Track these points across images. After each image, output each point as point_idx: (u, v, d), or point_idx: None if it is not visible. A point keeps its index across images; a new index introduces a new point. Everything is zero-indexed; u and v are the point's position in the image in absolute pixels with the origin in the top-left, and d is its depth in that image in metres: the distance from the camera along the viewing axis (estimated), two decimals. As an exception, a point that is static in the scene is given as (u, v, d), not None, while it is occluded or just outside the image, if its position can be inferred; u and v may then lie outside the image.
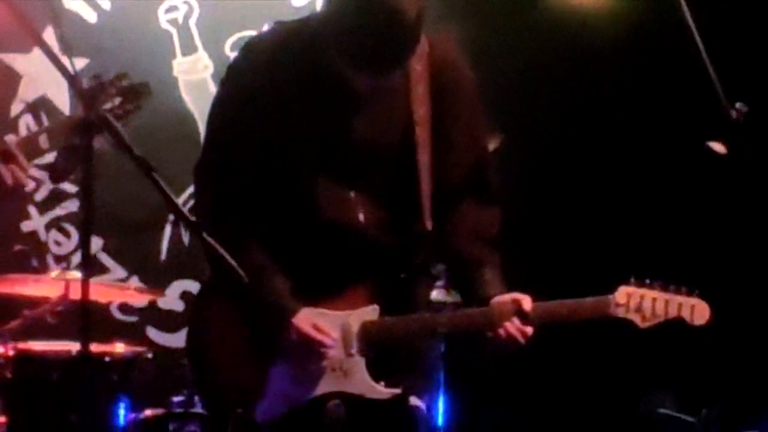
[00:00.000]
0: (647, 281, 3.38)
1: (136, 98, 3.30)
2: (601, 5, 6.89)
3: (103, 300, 5.98)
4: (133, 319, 6.50)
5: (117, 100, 3.25)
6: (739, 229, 4.87)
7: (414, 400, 3.60)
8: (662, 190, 5.79)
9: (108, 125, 2.84)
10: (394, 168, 3.49)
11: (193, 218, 2.88)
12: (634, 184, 6.04)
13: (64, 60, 2.87)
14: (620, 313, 3.39)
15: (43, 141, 3.10)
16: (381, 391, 3.44)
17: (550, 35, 6.84)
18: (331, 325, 3.41)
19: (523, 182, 6.11)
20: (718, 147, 3.06)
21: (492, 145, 5.19)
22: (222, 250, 2.79)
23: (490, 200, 3.61)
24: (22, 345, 5.03)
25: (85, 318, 2.93)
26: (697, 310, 3.37)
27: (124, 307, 6.44)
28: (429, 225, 3.47)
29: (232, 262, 2.80)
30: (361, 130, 3.43)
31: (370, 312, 3.45)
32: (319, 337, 3.37)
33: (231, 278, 2.83)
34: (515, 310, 3.37)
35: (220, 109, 3.55)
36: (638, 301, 3.38)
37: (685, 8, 3.06)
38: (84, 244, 2.73)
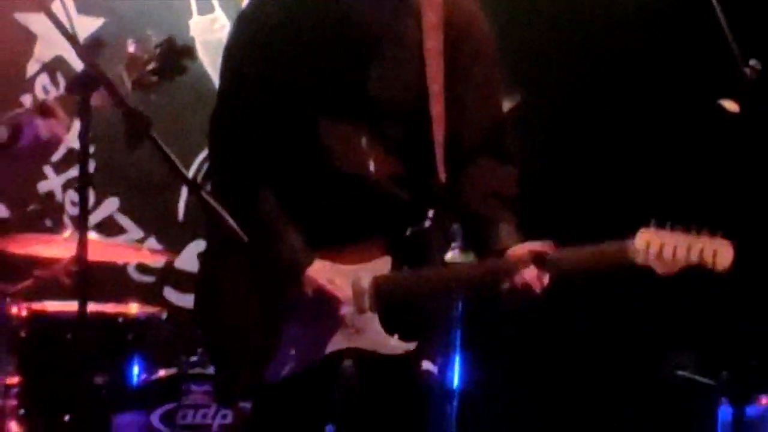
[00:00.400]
0: (668, 225, 3.21)
1: (181, 60, 3.24)
2: None
3: (120, 260, 6.02)
4: (150, 279, 6.45)
5: (149, 66, 3.20)
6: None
7: (426, 365, 3.55)
8: (679, 145, 5.73)
9: (105, 81, 2.81)
10: (407, 118, 3.42)
11: (188, 175, 2.84)
12: (650, 139, 5.94)
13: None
14: (639, 259, 3.21)
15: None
16: (395, 346, 3.36)
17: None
18: (342, 279, 3.33)
19: (543, 138, 6.12)
20: (730, 105, 2.98)
21: (512, 102, 5.18)
22: (221, 209, 2.75)
23: (506, 160, 3.53)
24: (35, 305, 5.00)
25: (82, 278, 2.88)
26: (719, 254, 3.15)
27: (142, 268, 6.40)
28: (443, 177, 3.40)
29: (232, 222, 2.75)
30: (374, 78, 3.37)
31: (382, 265, 3.38)
32: (334, 291, 3.30)
33: (231, 238, 2.80)
34: (532, 257, 3.25)
35: (231, 57, 3.48)
36: (658, 247, 3.19)
37: None
38: (82, 203, 2.68)
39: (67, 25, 2.77)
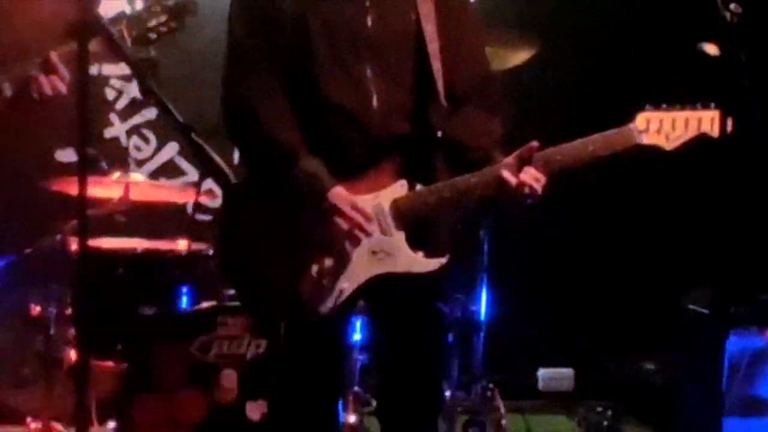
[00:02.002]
0: (663, 104, 3.17)
1: (181, 17, 3.09)
2: None
3: (179, 200, 5.97)
4: (207, 217, 6.31)
5: (163, 18, 3.06)
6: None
7: (440, 305, 3.48)
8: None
9: (103, 29, 2.68)
10: (406, 53, 3.31)
11: (179, 117, 2.73)
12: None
13: None
14: (644, 139, 3.19)
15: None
16: (426, 263, 3.27)
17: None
18: (364, 207, 3.21)
19: (559, 84, 6.00)
20: (710, 48, 2.81)
21: (530, 51, 5.01)
22: (211, 151, 2.65)
23: (494, 110, 3.43)
24: (91, 242, 4.91)
25: (82, 216, 2.76)
26: (716, 121, 3.13)
27: (199, 207, 6.30)
28: (445, 102, 3.30)
29: (221, 162, 2.65)
30: (374, 17, 3.27)
31: (399, 188, 3.26)
32: (356, 215, 3.19)
33: (221, 180, 2.68)
34: (519, 156, 3.21)
35: (236, 12, 3.34)
36: (659, 124, 3.17)
37: None
38: (81, 148, 2.53)
39: None
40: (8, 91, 2.79)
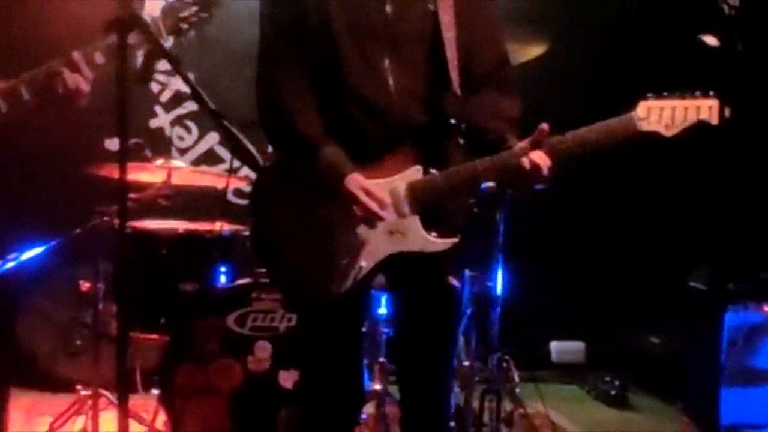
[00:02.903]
0: (664, 93, 3.12)
1: (209, 7, 3.07)
2: None
3: (220, 186, 5.97)
4: (245, 201, 6.35)
5: (193, 9, 3.04)
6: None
7: (452, 280, 3.42)
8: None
9: (139, 23, 2.66)
10: (423, 43, 3.26)
11: (212, 106, 2.68)
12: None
13: None
14: (644, 126, 3.12)
15: (98, 57, 2.88)
16: (438, 243, 3.23)
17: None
18: (379, 189, 3.19)
19: (567, 80, 5.96)
20: (710, 40, 2.77)
21: (541, 49, 4.95)
22: (242, 137, 2.62)
23: (509, 91, 3.38)
24: (136, 224, 4.93)
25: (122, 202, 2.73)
26: (714, 110, 3.08)
27: (238, 192, 6.33)
28: (458, 91, 3.25)
29: (251, 148, 2.62)
30: (392, 7, 3.23)
31: (414, 173, 3.22)
32: (366, 202, 3.16)
33: (250, 164, 2.66)
34: (532, 141, 3.17)
35: (269, 13, 3.31)
36: (659, 112, 3.11)
37: None
38: (121, 135, 2.51)
39: None
40: (26, 95, 2.75)
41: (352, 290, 3.24)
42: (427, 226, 3.24)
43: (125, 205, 2.73)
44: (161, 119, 6.44)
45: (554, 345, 6.79)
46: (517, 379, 5.34)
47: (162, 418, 4.68)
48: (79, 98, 2.85)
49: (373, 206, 3.16)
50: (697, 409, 4.75)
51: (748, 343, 4.57)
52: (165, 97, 6.42)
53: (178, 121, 6.49)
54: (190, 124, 6.51)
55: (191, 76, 3.26)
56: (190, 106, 6.44)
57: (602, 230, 6.49)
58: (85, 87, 2.83)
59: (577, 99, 5.89)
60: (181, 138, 6.48)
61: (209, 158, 6.49)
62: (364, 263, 3.22)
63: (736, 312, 4.58)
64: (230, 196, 6.31)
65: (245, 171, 6.41)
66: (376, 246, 3.23)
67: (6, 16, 5.89)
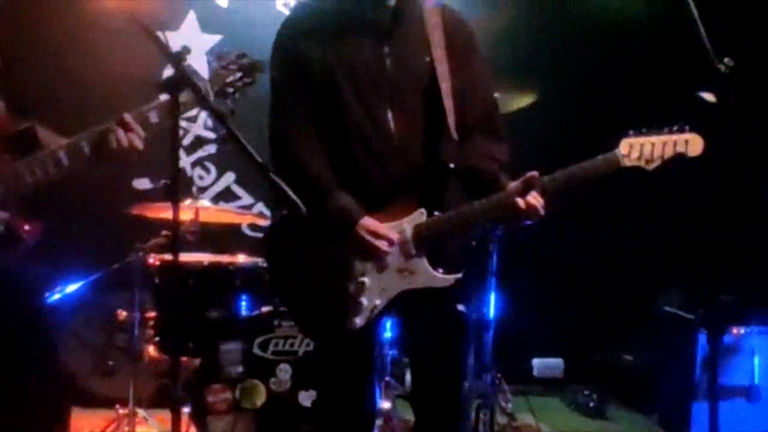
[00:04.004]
0: (643, 130, 3.10)
1: (252, 73, 3.04)
2: None
3: (236, 221, 5.97)
4: (259, 235, 6.29)
5: (238, 75, 3.03)
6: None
7: (460, 307, 3.38)
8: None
9: (191, 83, 2.64)
10: (421, 93, 3.21)
11: (260, 159, 2.63)
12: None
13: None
14: (627, 162, 3.10)
15: (153, 116, 2.87)
16: (444, 279, 3.19)
17: (582, 15, 6.64)
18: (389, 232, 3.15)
19: (555, 127, 5.95)
20: (708, 96, 2.76)
21: (531, 98, 4.94)
22: (285, 186, 2.59)
23: (499, 136, 3.34)
24: (165, 257, 4.87)
25: (174, 234, 2.70)
26: (691, 143, 3.05)
27: (253, 226, 6.30)
28: (456, 135, 3.19)
29: (294, 196, 2.58)
30: (392, 61, 3.18)
31: (419, 216, 3.17)
32: (376, 244, 3.12)
33: (293, 210, 2.62)
34: (525, 182, 3.12)
35: (277, 59, 3.24)
36: (640, 148, 3.08)
37: None
38: (173, 178, 2.53)
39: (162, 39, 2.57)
40: (86, 149, 2.72)
41: (367, 325, 3.20)
42: (433, 263, 3.20)
43: (176, 240, 2.71)
44: (183, 161, 6.37)
45: (536, 361, 6.76)
46: (509, 394, 5.32)
47: (192, 434, 4.64)
48: (132, 154, 2.81)
49: (384, 247, 3.13)
50: (671, 421, 4.72)
51: (720, 362, 4.54)
52: (186, 141, 6.38)
53: (198, 162, 6.45)
54: (209, 165, 6.47)
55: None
56: (209, 149, 6.43)
57: (578, 259, 6.47)
58: (139, 144, 2.81)
59: (563, 143, 5.75)
60: (201, 177, 6.44)
61: (227, 195, 6.45)
62: (378, 302, 3.18)
63: (708, 335, 4.56)
64: (246, 230, 6.33)
65: (259, 207, 6.43)
66: (387, 285, 3.19)
67: (63, 80, 5.85)
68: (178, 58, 2.61)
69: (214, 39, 6.25)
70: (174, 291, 4.74)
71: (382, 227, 3.15)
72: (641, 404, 5.91)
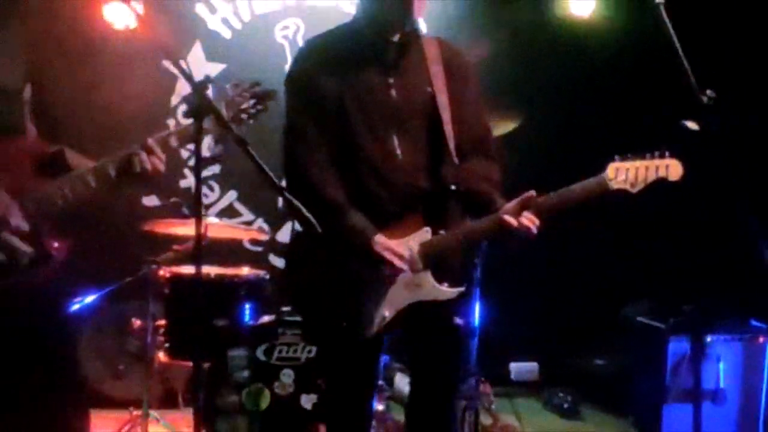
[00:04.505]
0: (628, 155, 3.10)
1: (265, 101, 2.99)
2: (596, 19, 6.61)
3: (237, 236, 5.91)
4: (259, 249, 6.29)
5: (251, 102, 2.97)
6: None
7: (458, 320, 3.39)
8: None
9: (214, 111, 2.58)
10: (424, 120, 3.21)
11: (278, 182, 2.58)
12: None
13: (206, 66, 2.60)
14: (614, 185, 3.11)
15: (173, 140, 2.81)
16: (448, 291, 3.19)
17: (563, 45, 6.61)
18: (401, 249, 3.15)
19: (539, 150, 5.94)
20: (692, 124, 2.74)
21: (516, 123, 4.91)
22: (299, 205, 2.54)
23: (493, 159, 3.35)
24: (174, 269, 4.82)
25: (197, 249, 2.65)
26: (671, 168, 3.06)
27: (253, 241, 6.24)
28: (456, 160, 3.20)
29: (309, 215, 2.54)
30: (397, 91, 3.19)
31: (424, 234, 3.16)
32: (392, 259, 3.11)
33: (308, 226, 2.58)
34: (520, 203, 3.11)
35: (290, 92, 3.25)
36: (625, 173, 3.09)
37: (667, 21, 2.78)
38: (197, 197, 2.51)
39: (198, 70, 2.54)
40: (112, 172, 2.67)
41: (376, 334, 3.20)
42: (438, 278, 3.19)
43: (200, 254, 2.65)
44: (189, 180, 6.31)
45: (513, 365, 6.73)
46: (492, 396, 5.28)
47: (201, 434, 4.56)
48: (154, 177, 2.76)
49: (398, 262, 3.13)
50: (644, 423, 4.69)
51: (687, 368, 4.52)
52: (192, 161, 6.27)
53: (203, 181, 6.33)
54: (213, 183, 6.39)
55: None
56: (213, 169, 6.32)
57: (553, 271, 6.45)
58: (161, 167, 2.76)
59: (545, 167, 5.75)
60: (206, 195, 6.34)
61: (229, 212, 6.36)
62: (387, 313, 3.17)
63: (678, 342, 4.54)
64: (247, 245, 6.26)
65: (259, 224, 6.37)
66: (396, 298, 3.18)
67: (79, 105, 5.78)
68: (202, 87, 2.55)
69: (219, 68, 6.18)
70: (184, 301, 4.74)
71: (395, 244, 3.14)
72: (613, 406, 5.89)
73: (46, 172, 2.63)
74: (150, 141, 2.75)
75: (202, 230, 4.61)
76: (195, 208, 2.58)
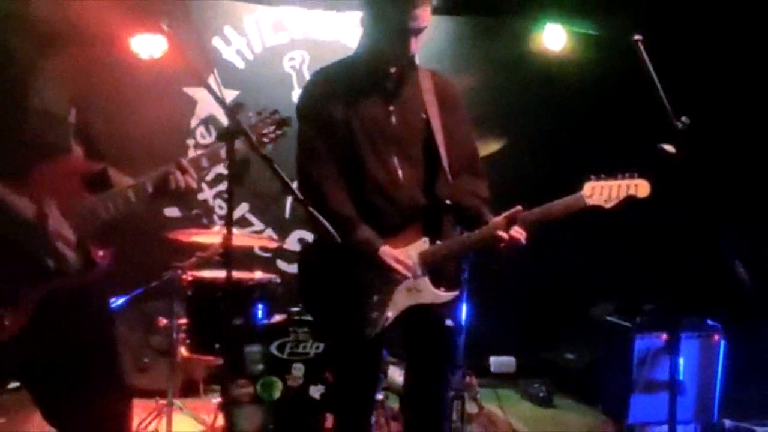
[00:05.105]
0: (602, 175, 3.15)
1: (282, 127, 2.96)
2: (566, 53, 6.66)
3: (249, 244, 5.88)
4: (268, 255, 6.24)
5: (272, 128, 2.94)
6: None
7: (449, 322, 3.39)
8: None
9: (244, 133, 2.55)
10: (420, 143, 3.22)
11: (301, 196, 2.56)
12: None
13: (221, 91, 2.59)
14: (590, 202, 3.15)
15: (204, 161, 2.78)
16: (444, 295, 3.20)
17: (538, 75, 6.63)
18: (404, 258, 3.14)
19: (520, 172, 5.92)
20: (669, 148, 2.75)
21: (500, 144, 4.88)
22: (321, 218, 2.51)
23: (481, 176, 3.35)
24: (196, 274, 4.76)
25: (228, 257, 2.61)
26: (639, 187, 3.12)
27: (263, 248, 6.20)
28: (449, 178, 3.20)
29: (327, 225, 2.51)
30: (396, 118, 3.19)
31: (423, 244, 3.17)
32: (397, 267, 3.11)
33: (328, 237, 2.55)
34: (507, 218, 3.14)
35: (302, 117, 3.24)
36: (600, 191, 3.13)
37: (645, 57, 2.77)
38: (229, 210, 2.48)
39: (220, 95, 2.52)
40: (150, 188, 2.63)
41: (379, 335, 3.19)
42: (435, 283, 3.19)
43: (230, 262, 2.66)
44: (206, 194, 6.28)
45: (492, 359, 6.70)
46: (477, 387, 5.24)
47: (220, 421, 4.53)
48: (187, 193, 2.72)
49: (402, 270, 3.13)
50: (612, 410, 4.67)
51: (652, 361, 4.51)
52: (209, 177, 6.25)
53: (218, 195, 6.32)
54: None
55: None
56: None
57: (527, 274, 6.43)
58: (194, 185, 2.73)
59: (526, 183, 5.69)
60: (220, 207, 6.30)
61: (242, 222, 6.32)
62: (390, 314, 3.17)
63: (643, 339, 4.53)
64: (258, 252, 6.22)
65: (268, 233, 6.33)
66: (398, 301, 3.17)
67: (120, 127, 5.71)
68: (234, 111, 2.53)
69: (233, 94, 6.13)
70: (204, 301, 4.69)
71: (398, 254, 3.13)
72: (583, 395, 5.88)
73: (91, 188, 2.60)
74: (183, 160, 2.72)
75: (222, 239, 4.73)
76: (227, 220, 2.56)
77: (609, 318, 4.74)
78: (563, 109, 6.60)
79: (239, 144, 2.57)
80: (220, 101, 2.51)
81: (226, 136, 2.52)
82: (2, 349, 2.34)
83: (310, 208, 2.51)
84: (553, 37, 6.60)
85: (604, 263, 6.37)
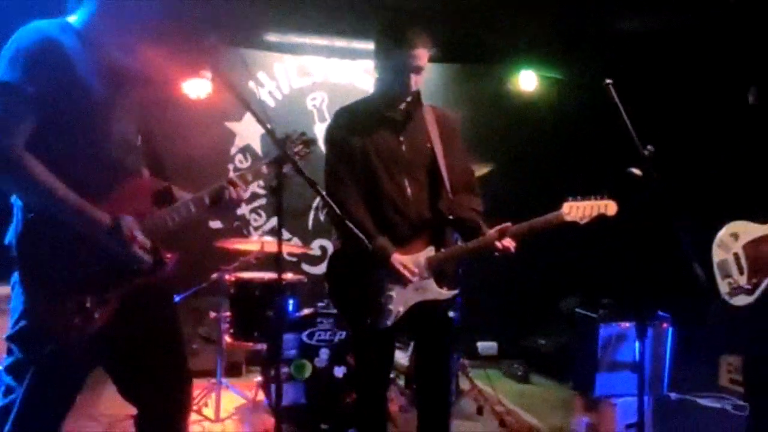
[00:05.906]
0: (578, 197, 3.14)
1: (309, 146, 2.94)
2: (539, 92, 6.65)
3: (283, 251, 5.74)
4: (294, 259, 6.20)
5: (300, 147, 2.91)
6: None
7: (451, 313, 3.40)
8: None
9: (291, 160, 2.54)
10: (426, 167, 3.21)
11: (339, 212, 2.56)
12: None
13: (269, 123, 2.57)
14: (568, 218, 3.13)
15: (249, 176, 2.76)
16: (446, 293, 3.19)
17: (516, 111, 6.62)
18: (412, 264, 3.14)
19: (505, 190, 5.88)
20: (636, 171, 2.72)
21: (487, 168, 4.86)
22: (354, 228, 2.50)
23: (476, 194, 3.34)
24: (239, 275, 4.74)
25: (278, 262, 2.58)
26: (608, 207, 3.13)
27: (290, 254, 6.15)
28: (451, 196, 3.20)
29: (361, 235, 2.49)
30: (406, 146, 3.19)
31: (429, 251, 3.16)
32: (404, 272, 3.10)
33: (359, 244, 2.52)
34: (499, 232, 3.13)
35: (329, 144, 3.25)
36: (576, 209, 3.11)
37: (616, 99, 2.74)
38: (279, 224, 2.44)
39: (255, 127, 2.49)
40: (207, 201, 2.62)
41: (392, 326, 3.17)
42: (438, 283, 3.19)
43: (281, 266, 2.62)
44: (243, 209, 6.23)
45: (479, 344, 6.66)
46: (468, 367, 5.20)
47: (260, 396, 4.53)
48: (238, 205, 2.70)
49: (408, 275, 3.13)
50: (581, 386, 4.63)
51: (614, 346, 4.47)
52: (246, 194, 6.12)
53: (253, 210, 6.28)
54: (261, 211, 6.30)
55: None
56: (261, 200, 6.26)
57: (509, 272, 6.35)
58: (244, 196, 2.71)
59: (513, 201, 5.64)
60: (255, 220, 6.28)
61: (273, 233, 6.22)
62: (401, 309, 3.16)
63: (606, 326, 4.49)
64: (286, 256, 6.15)
65: (294, 241, 6.28)
66: (408, 298, 3.17)
67: (172, 153, 5.67)
68: (284, 143, 2.52)
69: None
70: (245, 298, 4.64)
71: (407, 260, 3.13)
72: (555, 374, 5.86)
73: (159, 202, 2.58)
74: (234, 177, 2.69)
75: (261, 247, 4.70)
76: (278, 233, 2.53)
77: (577, 309, 4.70)
78: (541, 139, 6.62)
79: (287, 168, 2.55)
80: (270, 134, 2.50)
81: (277, 162, 2.50)
82: (92, 340, 2.30)
83: (347, 221, 2.50)
84: (527, 81, 6.65)
85: (568, 265, 6.33)
